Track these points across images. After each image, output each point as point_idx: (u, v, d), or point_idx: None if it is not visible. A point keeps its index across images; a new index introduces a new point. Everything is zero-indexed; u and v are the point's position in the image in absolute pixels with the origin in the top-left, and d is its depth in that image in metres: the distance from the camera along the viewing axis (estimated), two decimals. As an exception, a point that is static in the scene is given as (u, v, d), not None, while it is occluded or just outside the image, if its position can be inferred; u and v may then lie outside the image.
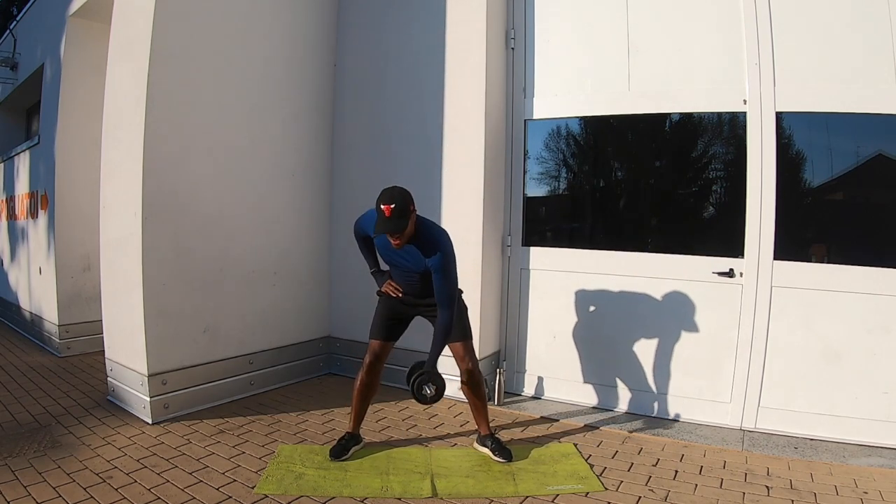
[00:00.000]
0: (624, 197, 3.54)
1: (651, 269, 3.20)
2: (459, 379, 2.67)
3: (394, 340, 2.68)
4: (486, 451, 2.66)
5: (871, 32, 2.75)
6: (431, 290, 2.54)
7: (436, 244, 2.42)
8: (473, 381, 2.62)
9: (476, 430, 2.77)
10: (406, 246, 2.42)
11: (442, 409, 3.32)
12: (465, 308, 2.71)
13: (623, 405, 3.29)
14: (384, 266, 2.74)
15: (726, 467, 2.57)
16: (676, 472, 2.53)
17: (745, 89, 2.97)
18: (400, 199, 2.29)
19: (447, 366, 3.46)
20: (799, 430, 2.88)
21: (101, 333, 3.46)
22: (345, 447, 2.62)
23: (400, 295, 2.63)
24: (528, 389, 3.58)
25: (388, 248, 2.49)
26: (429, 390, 2.31)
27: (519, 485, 2.39)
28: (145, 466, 2.47)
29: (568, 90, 3.45)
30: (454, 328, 2.53)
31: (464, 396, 2.73)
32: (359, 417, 2.69)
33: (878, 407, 2.74)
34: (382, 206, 2.26)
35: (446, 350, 2.58)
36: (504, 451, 2.61)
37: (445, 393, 3.49)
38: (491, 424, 2.75)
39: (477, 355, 3.10)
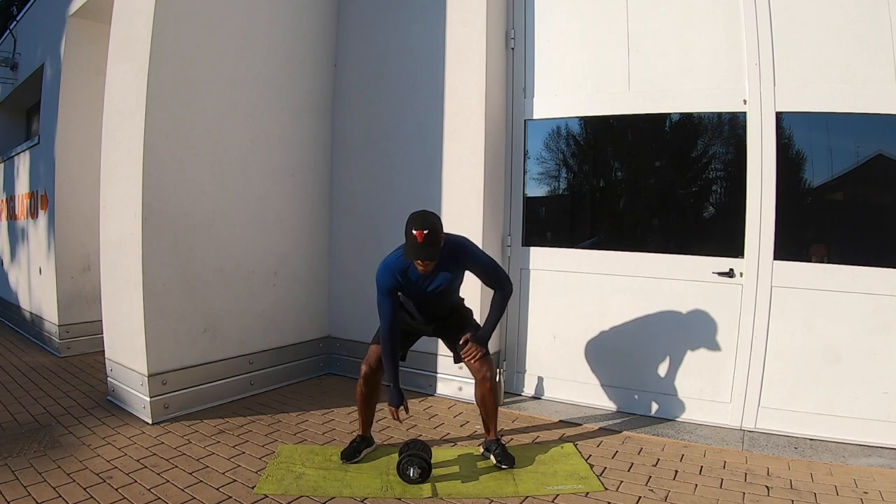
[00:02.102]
0: (624, 197, 3.54)
1: (651, 269, 3.20)
2: (474, 387, 2.61)
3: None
4: (490, 456, 2.60)
5: (871, 32, 2.75)
6: (446, 306, 2.57)
7: (461, 249, 2.44)
8: (489, 388, 2.54)
9: (480, 431, 2.76)
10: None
11: (442, 410, 3.32)
12: (471, 311, 2.70)
13: (623, 405, 3.29)
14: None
15: (726, 467, 2.57)
16: (676, 472, 2.53)
17: (745, 89, 2.96)
18: (433, 223, 2.26)
19: (446, 365, 3.46)
20: (799, 430, 2.88)
21: (101, 333, 3.46)
22: (356, 449, 2.61)
23: (401, 420, 2.67)
24: (528, 390, 3.58)
25: (416, 286, 2.43)
26: (413, 473, 2.36)
27: (519, 485, 2.39)
28: (145, 466, 2.47)
29: (568, 90, 3.45)
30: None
31: (465, 397, 2.73)
32: (367, 421, 2.67)
33: (878, 407, 2.74)
34: (416, 231, 2.22)
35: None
36: (507, 456, 2.55)
37: (445, 393, 3.53)
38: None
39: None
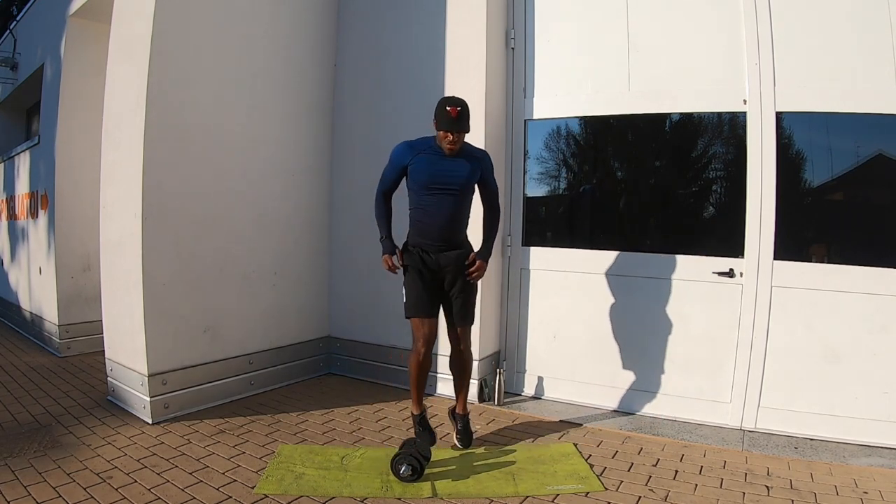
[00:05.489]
0: (624, 197, 3.54)
1: (651, 268, 3.20)
2: (450, 356, 2.79)
3: (437, 317, 2.69)
4: (453, 424, 2.77)
5: (871, 32, 2.75)
6: (457, 225, 2.64)
7: (484, 153, 2.75)
8: (465, 359, 2.76)
9: (481, 432, 2.79)
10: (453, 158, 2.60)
11: (442, 409, 3.31)
12: (477, 289, 2.79)
13: (623, 405, 3.29)
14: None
15: (726, 467, 2.57)
16: (676, 472, 2.53)
17: (745, 89, 2.97)
18: (464, 102, 2.56)
19: (446, 365, 3.46)
20: (799, 430, 2.88)
21: (101, 333, 3.46)
22: (428, 426, 2.72)
23: (397, 271, 2.70)
24: (528, 389, 3.58)
25: (434, 163, 2.60)
26: (404, 470, 2.38)
27: (519, 485, 2.39)
28: (145, 466, 2.47)
29: (568, 90, 3.45)
30: (466, 312, 2.69)
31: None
32: (421, 397, 2.76)
33: (878, 407, 2.74)
34: (449, 108, 2.51)
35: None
36: (466, 436, 2.71)
37: (445, 393, 3.52)
38: (490, 424, 2.76)
39: (476, 355, 3.16)
